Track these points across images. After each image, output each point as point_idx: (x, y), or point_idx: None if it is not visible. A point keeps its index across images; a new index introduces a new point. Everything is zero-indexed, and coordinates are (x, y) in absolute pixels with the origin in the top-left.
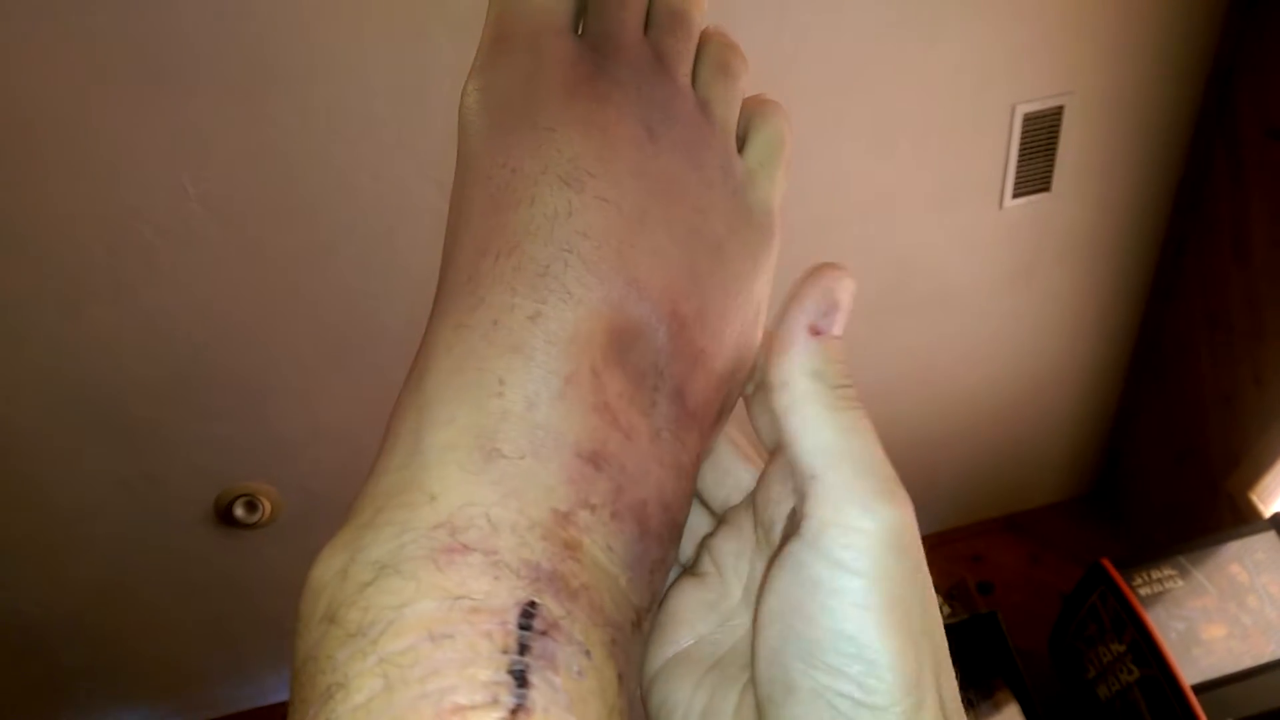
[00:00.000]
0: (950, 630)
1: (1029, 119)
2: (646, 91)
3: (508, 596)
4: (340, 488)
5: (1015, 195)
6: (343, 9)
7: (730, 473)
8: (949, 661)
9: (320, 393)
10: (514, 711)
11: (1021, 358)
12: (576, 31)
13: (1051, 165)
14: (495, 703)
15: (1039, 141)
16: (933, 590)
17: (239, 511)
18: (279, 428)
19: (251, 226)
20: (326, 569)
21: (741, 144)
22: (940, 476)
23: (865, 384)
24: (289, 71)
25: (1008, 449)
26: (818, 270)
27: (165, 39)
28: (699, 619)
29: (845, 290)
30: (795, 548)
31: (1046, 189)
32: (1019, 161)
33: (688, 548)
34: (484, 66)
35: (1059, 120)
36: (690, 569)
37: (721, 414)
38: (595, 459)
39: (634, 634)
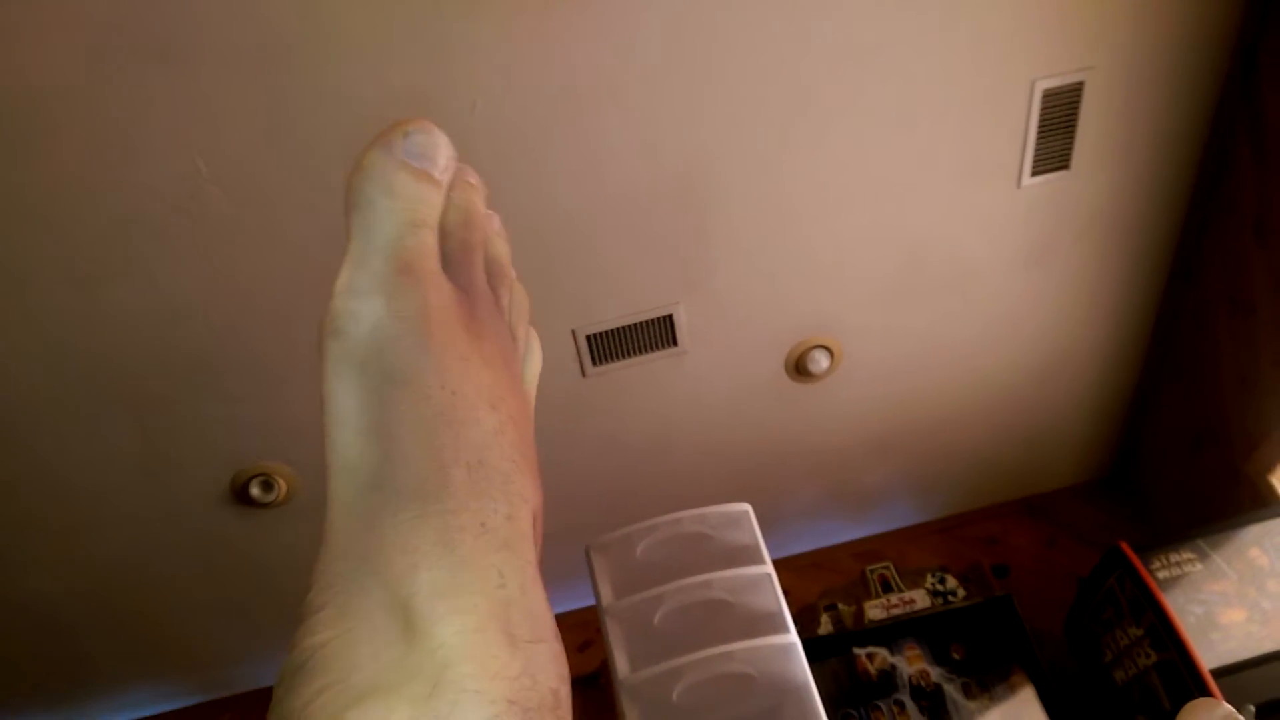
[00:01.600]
0: (966, 613)
1: (1049, 95)
2: (498, 332)
3: None
4: None
5: (1034, 173)
6: None
7: None
8: None
9: None
10: None
11: (1038, 339)
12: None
13: (1071, 143)
14: None
15: (1059, 118)
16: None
17: (255, 491)
18: (295, 407)
19: (265, 206)
20: None
21: None
22: (956, 459)
23: (881, 364)
24: (303, 50)
25: (1024, 431)
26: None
27: (179, 17)
28: None
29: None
30: None
31: (1066, 167)
32: (1038, 139)
33: None
34: (389, 290)
35: (1079, 96)
36: None
37: None
38: (558, 636)
39: None
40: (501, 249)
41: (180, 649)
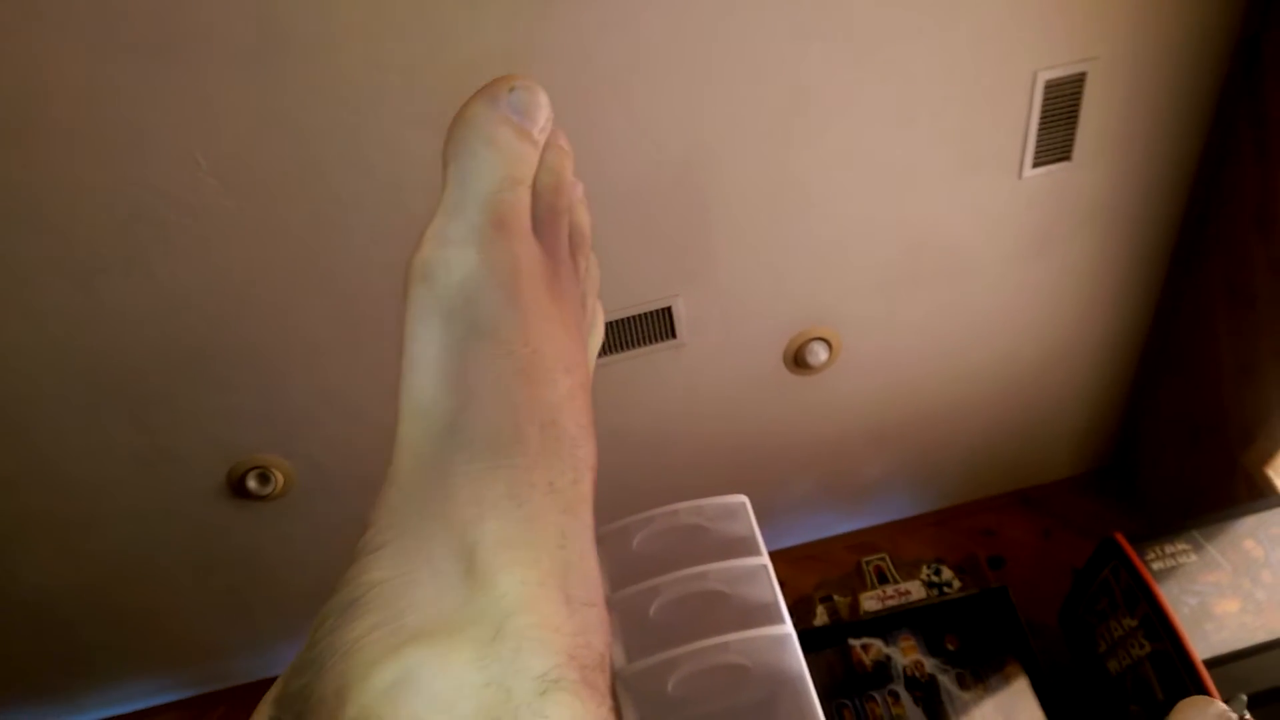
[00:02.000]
0: (961, 604)
1: (1050, 86)
2: (576, 299)
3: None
4: (352, 461)
5: (1035, 164)
6: None
7: None
8: None
9: (333, 365)
10: None
11: (1038, 330)
12: None
13: (1073, 134)
14: None
15: (1060, 109)
16: None
17: (252, 484)
18: (292, 400)
19: (264, 198)
20: (461, 681)
21: None
22: (953, 450)
23: (880, 356)
24: (301, 43)
25: (1021, 423)
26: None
27: (177, 12)
28: None
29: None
30: None
31: (1067, 158)
32: (1040, 130)
33: None
34: (483, 243)
35: (1081, 87)
36: None
37: None
38: (604, 602)
39: None
40: (584, 218)
41: (176, 642)
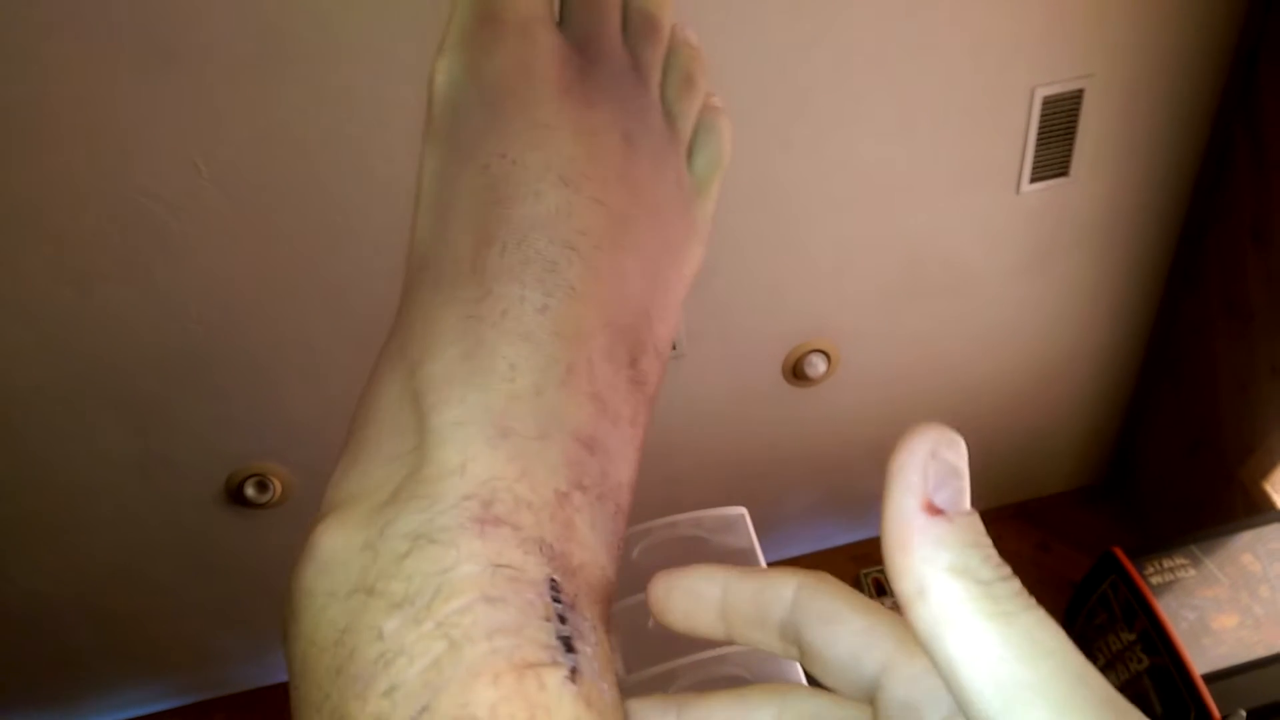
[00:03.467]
0: None
1: (1048, 102)
2: (625, 100)
3: (537, 571)
4: None
5: (1033, 180)
6: None
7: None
8: None
9: (332, 372)
10: (571, 673)
11: (1036, 344)
12: (555, 19)
13: (1070, 149)
14: (557, 663)
15: (1058, 125)
16: None
17: (250, 491)
18: (290, 407)
19: (264, 206)
20: (346, 544)
21: (689, 148)
22: None
23: (879, 369)
24: (304, 51)
25: (1020, 436)
26: (913, 433)
27: (179, 16)
28: None
29: (957, 452)
30: None
31: (1065, 174)
32: (1037, 145)
33: None
34: (469, 43)
35: (1079, 103)
36: None
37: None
38: (589, 444)
39: (607, 608)
40: (653, 1)
41: (172, 649)
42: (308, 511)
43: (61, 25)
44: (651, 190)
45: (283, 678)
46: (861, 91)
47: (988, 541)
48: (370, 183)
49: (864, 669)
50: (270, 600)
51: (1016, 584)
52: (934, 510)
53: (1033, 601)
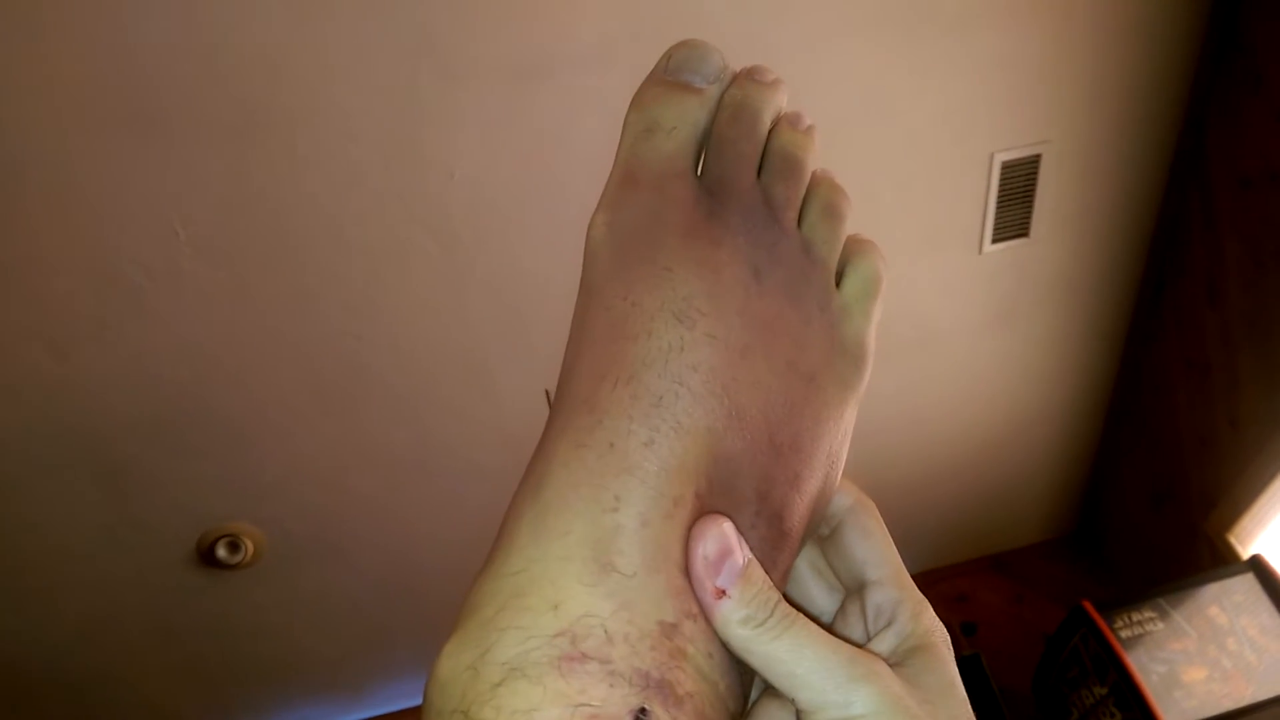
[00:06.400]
0: None
1: (1007, 166)
2: (755, 235)
3: (621, 704)
4: (323, 528)
5: (995, 240)
6: (332, 55)
7: None
8: None
9: (304, 433)
10: None
11: (1003, 400)
12: (697, 171)
13: (1030, 211)
14: None
15: (1017, 188)
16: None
17: (221, 552)
18: (262, 468)
19: (239, 269)
20: (456, 664)
21: (839, 278)
22: (925, 517)
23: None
24: (279, 117)
25: (991, 489)
26: (693, 533)
27: (155, 83)
28: None
29: (715, 537)
30: None
31: (1025, 234)
32: (998, 208)
33: None
34: (612, 203)
35: (1036, 168)
36: None
37: (809, 530)
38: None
39: None
40: (790, 140)
41: (144, 712)
42: (279, 571)
43: (40, 89)
44: (783, 319)
45: None
46: (826, 157)
47: (754, 588)
48: (342, 245)
49: (866, 573)
50: (241, 662)
51: (781, 609)
52: (719, 593)
53: (792, 619)
